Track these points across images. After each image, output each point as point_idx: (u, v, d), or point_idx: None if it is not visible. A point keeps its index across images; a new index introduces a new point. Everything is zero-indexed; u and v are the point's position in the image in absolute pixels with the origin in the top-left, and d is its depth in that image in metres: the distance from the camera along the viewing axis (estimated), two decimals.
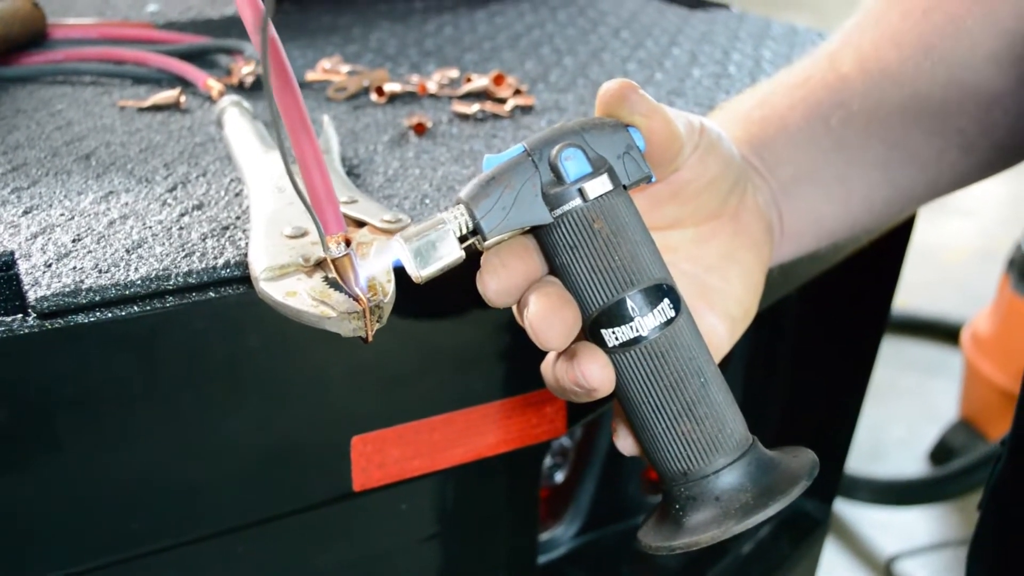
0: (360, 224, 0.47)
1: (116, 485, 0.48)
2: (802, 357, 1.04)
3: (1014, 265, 1.86)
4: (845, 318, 1.01)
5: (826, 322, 1.03)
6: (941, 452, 1.99)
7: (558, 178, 0.38)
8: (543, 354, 0.44)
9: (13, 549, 0.46)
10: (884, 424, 2.07)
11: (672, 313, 0.39)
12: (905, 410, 2.17)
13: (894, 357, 2.18)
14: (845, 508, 1.85)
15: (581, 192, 0.38)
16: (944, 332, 2.39)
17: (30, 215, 0.51)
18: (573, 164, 0.38)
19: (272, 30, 0.39)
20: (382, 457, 0.54)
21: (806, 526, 1.04)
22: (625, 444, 0.43)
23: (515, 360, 0.56)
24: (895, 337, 2.37)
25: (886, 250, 0.92)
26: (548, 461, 0.90)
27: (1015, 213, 3.18)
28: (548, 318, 0.38)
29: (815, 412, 1.06)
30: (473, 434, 0.56)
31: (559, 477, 0.91)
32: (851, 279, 0.95)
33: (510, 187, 0.38)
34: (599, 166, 0.38)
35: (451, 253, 0.38)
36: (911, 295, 2.40)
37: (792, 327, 1.02)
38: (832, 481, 1.09)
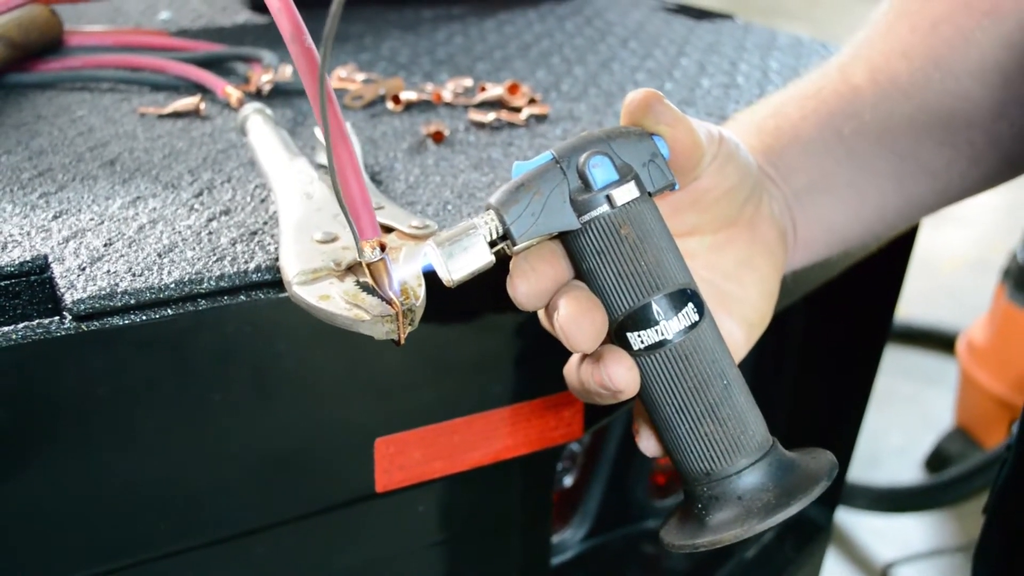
0: (388, 230, 0.48)
1: (144, 487, 0.48)
2: (806, 365, 1.05)
3: (1009, 274, 1.88)
4: (848, 327, 1.02)
5: (829, 330, 1.04)
6: (937, 460, 2.00)
7: (586, 185, 0.39)
8: (562, 358, 0.45)
9: (41, 550, 0.47)
10: (881, 432, 2.08)
11: (696, 317, 0.40)
12: (901, 418, 2.18)
13: (891, 366, 2.19)
14: (842, 515, 1.86)
15: (609, 199, 0.39)
16: (940, 341, 2.41)
17: (60, 219, 0.52)
18: (601, 171, 0.39)
19: (308, 39, 0.40)
20: (404, 459, 0.54)
21: (809, 531, 1.05)
22: (648, 445, 0.44)
23: (534, 364, 0.57)
24: (892, 346, 2.39)
25: (889, 259, 0.93)
26: (557, 465, 0.91)
27: (1010, 223, 3.20)
28: (578, 321, 0.39)
29: (818, 419, 1.07)
30: (492, 436, 0.57)
31: (568, 481, 0.92)
32: (854, 288, 0.96)
33: (539, 193, 0.39)
34: (626, 174, 0.40)
35: (482, 257, 0.39)
36: (907, 304, 2.42)
37: (796, 335, 1.03)
38: (835, 487, 1.10)
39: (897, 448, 2.10)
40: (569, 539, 0.92)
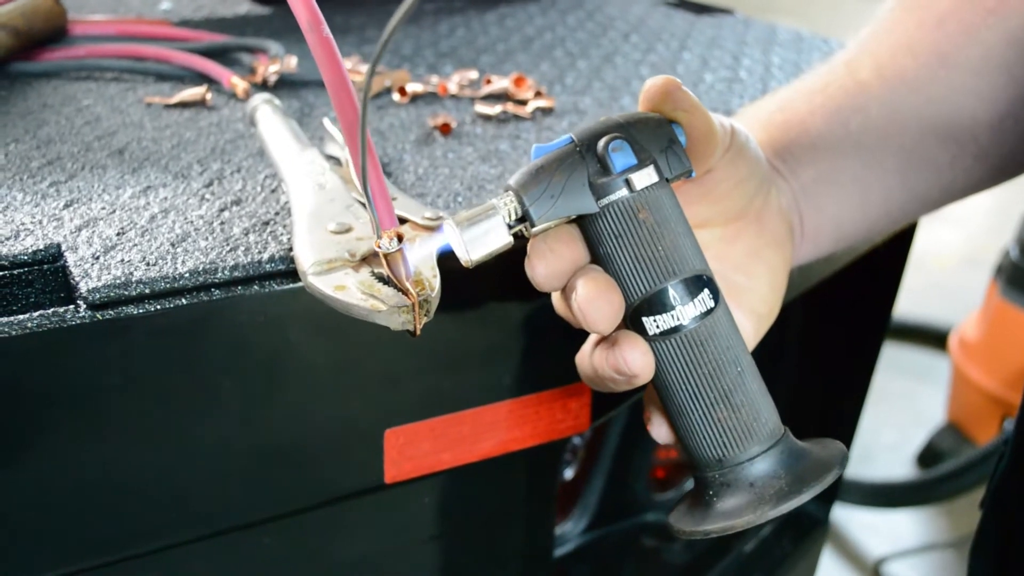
0: (402, 221, 0.48)
1: (155, 476, 0.48)
2: (804, 360, 1.06)
3: (1002, 271, 1.89)
4: (847, 323, 1.03)
5: (828, 326, 1.05)
6: (929, 456, 2.01)
7: (605, 169, 0.39)
8: (570, 349, 0.45)
9: (50, 538, 0.47)
10: (873, 428, 2.09)
11: (712, 303, 0.40)
12: (894, 414, 2.19)
13: (883, 362, 2.20)
14: (835, 510, 1.87)
15: (628, 183, 0.39)
16: (932, 337, 2.42)
17: (71, 208, 0.52)
18: (620, 156, 0.39)
19: (326, 28, 0.41)
20: (413, 450, 0.55)
21: (807, 526, 1.06)
22: (660, 432, 0.45)
23: (542, 355, 0.57)
24: (885, 342, 2.39)
25: (888, 256, 0.94)
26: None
27: (1001, 221, 3.22)
28: (596, 301, 0.40)
29: (816, 414, 1.07)
30: (500, 428, 0.57)
31: (569, 474, 0.92)
32: (853, 284, 0.96)
33: (558, 176, 0.39)
34: (645, 159, 0.40)
35: (500, 238, 0.39)
36: (900, 300, 2.43)
37: (795, 331, 1.04)
38: (833, 482, 1.11)
39: (889, 444, 2.11)
40: (570, 531, 0.92)
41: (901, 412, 2.21)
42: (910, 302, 2.53)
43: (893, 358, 2.39)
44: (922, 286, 2.74)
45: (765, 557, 1.00)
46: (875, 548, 1.81)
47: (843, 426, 1.05)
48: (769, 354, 1.04)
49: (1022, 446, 0.58)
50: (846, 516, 1.88)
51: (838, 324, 1.04)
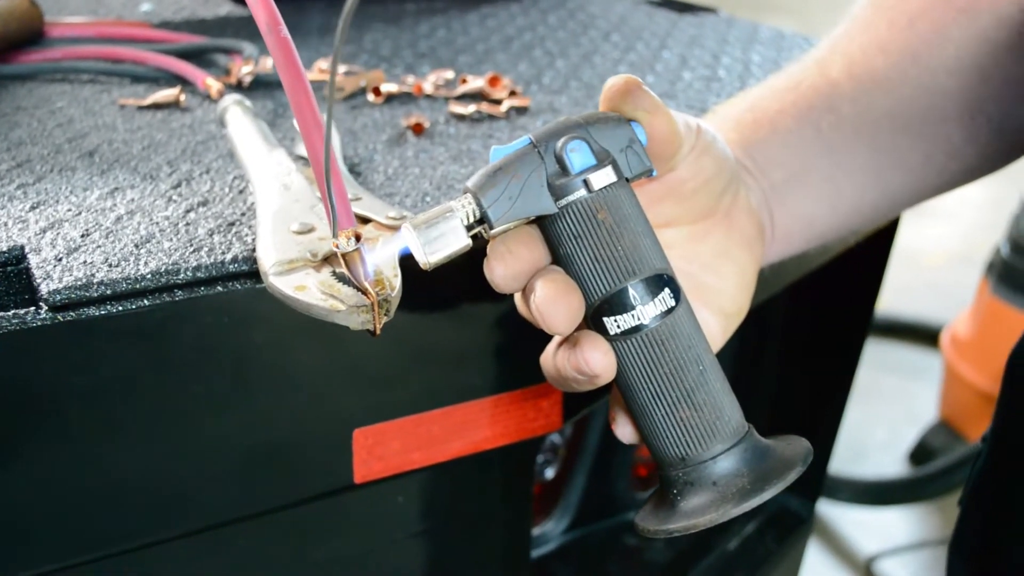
0: (365, 221, 0.48)
1: (122, 477, 0.48)
2: (787, 357, 1.06)
3: (993, 268, 1.89)
4: (830, 319, 1.03)
5: (811, 323, 1.05)
6: (921, 453, 2.01)
7: (563, 169, 0.39)
8: (540, 348, 0.45)
9: (18, 540, 0.47)
10: (865, 425, 2.09)
11: (672, 302, 0.40)
12: (885, 411, 2.19)
13: (875, 359, 2.21)
14: (826, 508, 1.87)
15: (586, 183, 0.39)
16: (924, 335, 2.42)
17: (37, 210, 0.52)
18: (578, 156, 0.39)
19: (284, 29, 0.41)
20: (383, 449, 0.55)
21: (791, 523, 1.06)
22: (624, 432, 0.45)
23: (513, 355, 0.57)
24: (876, 340, 2.40)
25: (871, 252, 0.94)
26: (539, 457, 0.91)
27: (993, 217, 3.22)
28: (554, 302, 0.39)
29: (800, 410, 1.07)
30: (471, 427, 0.57)
31: (549, 473, 0.92)
32: (836, 280, 0.96)
33: (516, 177, 0.39)
34: (603, 158, 0.40)
35: (458, 241, 0.39)
36: (891, 298, 2.43)
37: (777, 328, 1.04)
38: (816, 479, 1.11)
39: (882, 441, 2.11)
40: (551, 531, 0.92)
41: (893, 409, 2.21)
42: (902, 299, 2.53)
43: (885, 355, 2.39)
44: (914, 283, 2.74)
45: (748, 555, 1.00)
46: (867, 546, 1.81)
47: (827, 422, 1.05)
48: (753, 350, 1.04)
49: (999, 445, 0.58)
50: (838, 514, 1.88)
51: (822, 320, 1.04)
